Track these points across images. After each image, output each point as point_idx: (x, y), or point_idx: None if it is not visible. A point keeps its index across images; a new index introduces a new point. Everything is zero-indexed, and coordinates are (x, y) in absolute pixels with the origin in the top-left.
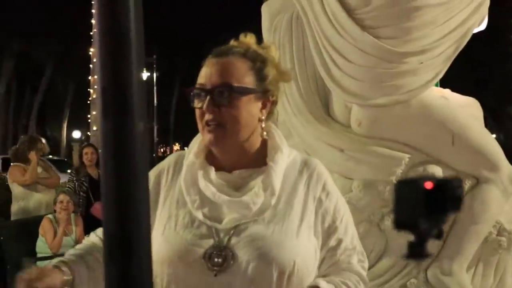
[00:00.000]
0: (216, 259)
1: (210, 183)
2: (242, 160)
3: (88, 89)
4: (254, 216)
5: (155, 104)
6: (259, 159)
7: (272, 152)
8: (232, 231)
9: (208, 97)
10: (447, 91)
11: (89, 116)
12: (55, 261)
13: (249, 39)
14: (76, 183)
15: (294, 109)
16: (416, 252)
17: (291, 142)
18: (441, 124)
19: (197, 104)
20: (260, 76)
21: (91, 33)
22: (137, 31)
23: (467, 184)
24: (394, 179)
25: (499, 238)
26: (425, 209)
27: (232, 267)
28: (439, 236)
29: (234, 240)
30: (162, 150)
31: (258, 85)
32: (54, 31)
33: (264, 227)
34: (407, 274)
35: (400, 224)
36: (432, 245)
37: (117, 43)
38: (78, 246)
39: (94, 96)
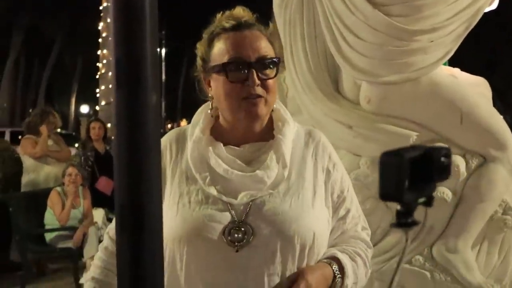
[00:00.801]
0: (236, 235)
1: (221, 159)
2: (251, 134)
3: (97, 64)
4: (268, 190)
5: (163, 80)
6: (265, 132)
7: (279, 124)
8: (249, 206)
9: (252, 70)
10: (456, 70)
11: (97, 90)
12: None
13: (247, 12)
14: (82, 157)
15: (304, 86)
16: (403, 221)
17: (300, 118)
18: (450, 103)
19: (236, 77)
20: (274, 49)
21: (100, 8)
22: (152, 3)
23: (474, 163)
24: None
25: (504, 217)
26: (411, 178)
27: (252, 242)
28: (428, 203)
29: (252, 215)
30: (169, 126)
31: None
32: (62, 5)
33: (281, 200)
34: (412, 250)
35: (385, 195)
36: (437, 222)
37: (132, 14)
38: (98, 275)
39: (103, 71)
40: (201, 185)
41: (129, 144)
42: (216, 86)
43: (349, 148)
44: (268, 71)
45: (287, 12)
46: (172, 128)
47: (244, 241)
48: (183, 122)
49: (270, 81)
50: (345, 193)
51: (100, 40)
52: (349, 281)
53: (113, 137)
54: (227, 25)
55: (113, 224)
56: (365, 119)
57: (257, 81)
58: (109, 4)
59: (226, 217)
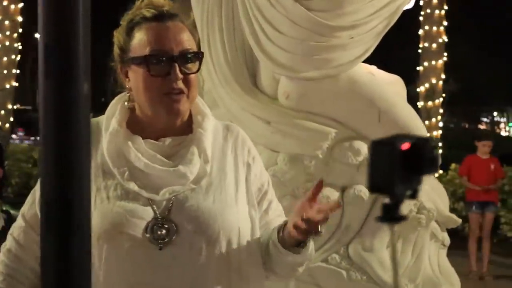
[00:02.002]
0: (159, 232)
1: (140, 153)
2: (170, 128)
3: None
4: (191, 185)
5: None
6: (184, 126)
7: (198, 118)
8: (171, 202)
9: (175, 64)
10: (373, 68)
11: None
12: None
13: (167, 1)
14: None
15: (221, 79)
16: (391, 215)
17: (217, 112)
18: (368, 101)
19: (158, 70)
20: (196, 41)
21: None
22: None
23: None
24: (320, 154)
25: (418, 215)
26: (402, 170)
27: (176, 240)
28: (413, 196)
29: (175, 211)
30: None
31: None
32: None
33: (203, 196)
34: (328, 249)
35: (375, 187)
36: (353, 220)
37: None
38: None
39: None
40: (119, 180)
41: (57, 138)
42: (135, 79)
43: (266, 144)
44: (190, 65)
45: (205, 3)
46: None
47: (168, 238)
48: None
49: (192, 76)
50: (266, 186)
51: None
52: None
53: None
54: (148, 14)
55: (17, 223)
56: (283, 115)
57: (180, 76)
58: None
59: (148, 213)
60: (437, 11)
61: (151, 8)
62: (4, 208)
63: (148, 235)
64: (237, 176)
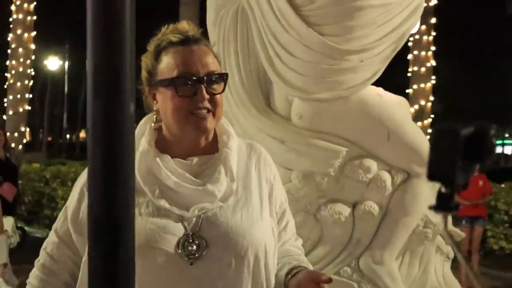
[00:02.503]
0: (190, 248)
1: (170, 172)
2: (196, 147)
3: (5, 74)
4: (219, 203)
5: (65, 92)
6: (210, 146)
7: (224, 138)
8: (200, 219)
9: (201, 85)
10: (380, 89)
11: (5, 100)
12: None
13: (192, 26)
14: None
15: (237, 100)
16: (446, 204)
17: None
18: (378, 121)
19: (186, 92)
20: (220, 64)
21: (10, 19)
22: (131, 10)
23: (399, 178)
24: (331, 171)
25: (425, 230)
26: (463, 158)
27: (207, 255)
28: (465, 187)
29: (204, 228)
30: (67, 136)
31: None
32: None
33: (231, 213)
34: (340, 262)
35: (434, 175)
36: (364, 234)
37: (112, 19)
38: None
39: (11, 81)
40: (150, 198)
41: (105, 156)
42: (163, 100)
43: (281, 163)
44: (216, 86)
45: (221, 29)
46: (71, 138)
47: (198, 254)
48: (82, 133)
49: (217, 96)
50: (285, 204)
51: (9, 51)
52: None
53: (87, 143)
54: (174, 39)
55: (50, 239)
56: (297, 135)
57: (206, 96)
58: (19, 17)
59: (179, 229)
60: (425, 37)
61: (177, 34)
62: (18, 225)
63: (179, 250)
64: (261, 193)
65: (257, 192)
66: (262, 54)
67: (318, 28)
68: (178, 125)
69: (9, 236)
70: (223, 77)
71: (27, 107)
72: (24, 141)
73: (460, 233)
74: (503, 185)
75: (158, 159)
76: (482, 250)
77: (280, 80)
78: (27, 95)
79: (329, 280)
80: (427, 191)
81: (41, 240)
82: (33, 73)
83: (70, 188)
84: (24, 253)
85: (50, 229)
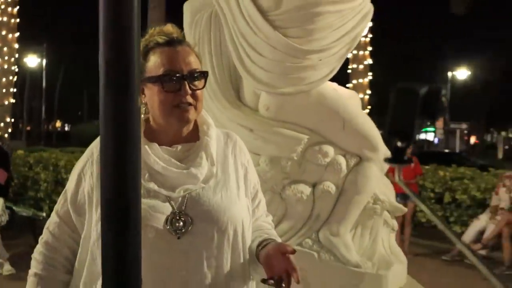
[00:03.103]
0: (177, 224)
1: (158, 158)
2: (179, 136)
3: None
4: (201, 184)
5: (43, 86)
6: (191, 134)
7: (204, 127)
8: (186, 199)
9: (185, 82)
10: (335, 84)
11: None
12: None
13: (176, 29)
14: None
15: (211, 94)
16: (400, 157)
17: None
18: (334, 112)
19: (171, 87)
20: (201, 63)
21: None
22: (138, 13)
23: (352, 162)
24: (294, 156)
25: (374, 206)
26: (419, 115)
27: (192, 230)
28: (415, 143)
29: (189, 206)
30: (45, 126)
31: None
32: None
33: (212, 193)
34: (302, 235)
35: (394, 131)
36: (322, 211)
37: (122, 19)
38: (42, 271)
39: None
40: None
41: (115, 143)
42: (150, 94)
43: (250, 149)
44: (197, 83)
45: (196, 31)
46: (48, 127)
47: (185, 229)
48: (58, 123)
49: (198, 91)
50: (257, 187)
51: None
52: None
53: (99, 136)
54: (160, 40)
55: (52, 219)
56: (264, 124)
57: (189, 91)
58: (4, 19)
59: (167, 208)
60: (363, 39)
61: (163, 35)
62: (7, 205)
63: (168, 226)
64: (237, 176)
65: (234, 175)
66: (233, 53)
67: (283, 31)
68: (163, 116)
69: (0, 214)
70: (204, 75)
71: (12, 100)
72: (10, 130)
73: (403, 208)
74: (427, 167)
75: (146, 146)
76: (413, 223)
77: (249, 77)
78: (11, 90)
79: (293, 251)
80: (376, 173)
81: (27, 219)
82: (16, 70)
83: (51, 171)
84: (12, 230)
85: (35, 208)
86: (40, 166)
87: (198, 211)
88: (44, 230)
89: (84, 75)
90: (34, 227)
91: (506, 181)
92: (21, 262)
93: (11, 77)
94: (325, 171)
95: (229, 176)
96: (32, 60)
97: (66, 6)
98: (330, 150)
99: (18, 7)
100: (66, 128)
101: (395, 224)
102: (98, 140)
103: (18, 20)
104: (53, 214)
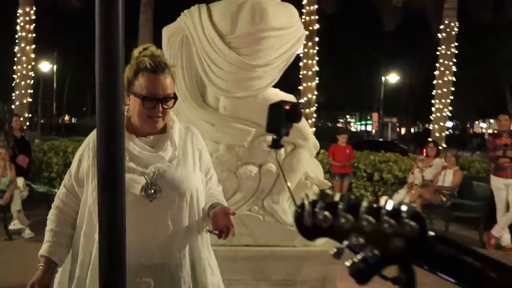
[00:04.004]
0: (149, 191)
1: (135, 145)
2: (153, 130)
3: (13, 76)
4: (166, 163)
5: (54, 87)
6: (161, 128)
7: (170, 123)
8: (155, 174)
9: (159, 103)
10: (277, 90)
11: (13, 94)
12: (44, 252)
13: (162, 53)
14: (6, 142)
15: (183, 98)
16: (276, 145)
17: (179, 118)
18: None
19: (148, 105)
20: (175, 83)
21: (16, 36)
22: (122, 44)
23: (289, 148)
24: (245, 144)
25: (306, 181)
26: (284, 119)
27: (160, 195)
28: (287, 135)
29: (158, 179)
30: (56, 120)
31: None
32: None
33: (175, 169)
34: (251, 203)
35: (270, 129)
36: (266, 185)
37: (112, 50)
38: (55, 227)
39: (17, 81)
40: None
41: (108, 136)
42: (133, 103)
43: (212, 138)
44: (169, 103)
45: (172, 50)
46: (58, 121)
47: (155, 195)
48: (66, 117)
49: (169, 110)
50: (210, 165)
51: (15, 59)
52: None
53: (95, 129)
54: (149, 66)
55: (61, 190)
56: (222, 120)
57: (161, 109)
58: (23, 34)
59: (142, 180)
60: (311, 50)
61: (152, 60)
62: (27, 183)
63: (142, 193)
64: (194, 157)
65: (191, 156)
66: (199, 67)
67: (236, 50)
68: (139, 122)
69: (21, 190)
70: (174, 98)
71: (29, 99)
72: (27, 123)
73: (327, 183)
74: (361, 152)
75: (127, 137)
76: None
77: (212, 85)
78: (29, 91)
79: (233, 213)
80: (307, 156)
81: (42, 194)
82: (32, 75)
83: (61, 156)
84: (31, 203)
85: (48, 186)
86: (52, 152)
87: (164, 182)
88: (55, 198)
89: (87, 78)
90: (48, 201)
91: (419, 164)
92: (38, 228)
93: (28, 81)
94: (268, 155)
95: (187, 157)
96: (45, 66)
97: (72, 23)
98: (271, 139)
99: (34, 24)
100: (73, 121)
101: None
102: (92, 133)
103: (34, 34)
104: (61, 187)
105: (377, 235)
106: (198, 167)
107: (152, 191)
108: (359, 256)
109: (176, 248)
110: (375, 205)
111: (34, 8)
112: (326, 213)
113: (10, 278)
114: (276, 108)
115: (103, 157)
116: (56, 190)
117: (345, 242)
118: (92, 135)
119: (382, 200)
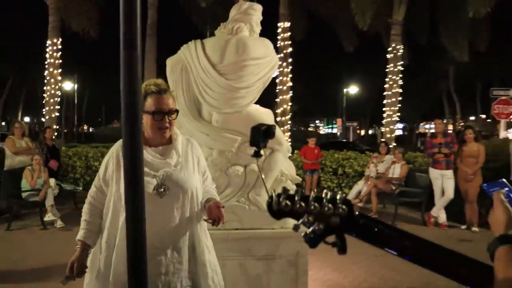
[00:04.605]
0: (159, 190)
1: (148, 154)
2: (161, 142)
3: (43, 95)
4: (172, 168)
5: (75, 102)
6: (168, 140)
7: (174, 136)
8: (164, 176)
9: (166, 116)
10: (258, 106)
11: (43, 110)
12: (80, 236)
13: (162, 81)
14: (40, 149)
15: (183, 113)
16: (257, 154)
17: (181, 130)
18: (257, 122)
19: (158, 118)
20: (175, 102)
21: (45, 63)
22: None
23: (267, 152)
24: (233, 149)
25: (281, 177)
26: (262, 136)
27: (168, 193)
28: (264, 146)
29: (166, 180)
30: (77, 129)
31: None
32: (14, 53)
33: (179, 173)
34: (239, 196)
35: (252, 143)
36: (251, 181)
37: (134, 78)
38: (88, 217)
39: (47, 99)
40: None
41: (131, 147)
42: (146, 120)
43: (207, 145)
44: (173, 116)
45: (174, 76)
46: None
47: (164, 193)
48: (85, 127)
49: (174, 121)
50: (205, 168)
51: (45, 81)
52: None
53: (122, 140)
54: (154, 89)
55: (92, 189)
56: (215, 131)
57: (167, 121)
58: (51, 61)
59: (154, 182)
60: (285, 69)
61: (155, 86)
62: (57, 183)
63: (154, 191)
64: (193, 163)
65: (191, 162)
66: (196, 90)
67: (225, 76)
68: (152, 133)
69: (53, 189)
70: (177, 111)
71: (57, 113)
72: (55, 133)
73: (298, 178)
74: (328, 151)
75: (143, 148)
76: (318, 187)
77: (206, 103)
78: (57, 106)
79: (223, 206)
80: (282, 158)
81: (69, 191)
82: (60, 93)
83: (83, 160)
84: (60, 199)
85: (75, 185)
86: (76, 157)
87: (171, 182)
88: (88, 196)
89: (101, 94)
90: (74, 197)
91: (373, 160)
92: (67, 219)
93: (56, 99)
94: (251, 158)
95: (188, 163)
96: (68, 85)
97: (91, 50)
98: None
99: (60, 52)
100: (91, 130)
101: (293, 188)
102: (116, 144)
103: (60, 61)
104: (92, 186)
105: (321, 215)
106: (197, 170)
107: (162, 189)
108: (310, 230)
109: (181, 233)
110: (319, 196)
111: (60, 39)
112: (287, 201)
113: (46, 260)
114: (256, 129)
115: (127, 163)
116: (80, 188)
117: (300, 220)
118: (116, 147)
119: (323, 193)
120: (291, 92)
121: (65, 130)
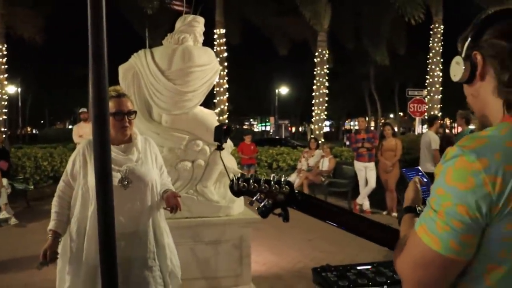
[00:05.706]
0: (124, 182)
1: (112, 151)
2: (123, 140)
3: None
4: (134, 163)
5: (19, 105)
6: (128, 139)
7: (134, 135)
8: (127, 171)
9: (125, 116)
10: (203, 108)
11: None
12: (52, 226)
13: (120, 87)
14: None
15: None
16: (221, 148)
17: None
18: (202, 122)
19: (118, 118)
20: (133, 104)
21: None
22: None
23: (212, 149)
24: (182, 146)
25: (225, 171)
26: (224, 134)
27: (131, 185)
28: (226, 142)
29: (129, 174)
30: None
31: None
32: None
33: (140, 167)
34: (188, 188)
35: (216, 139)
36: (198, 174)
37: (102, 85)
38: (58, 209)
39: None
40: None
41: (99, 145)
42: (111, 121)
43: (158, 143)
44: (132, 116)
45: (126, 82)
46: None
47: (128, 185)
48: (29, 128)
49: (132, 121)
50: (162, 163)
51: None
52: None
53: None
54: (114, 94)
55: (60, 184)
56: (165, 130)
57: (127, 120)
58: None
59: (118, 176)
60: (222, 72)
61: (114, 91)
62: (9, 182)
63: (119, 184)
64: (152, 159)
65: (150, 158)
66: (147, 93)
67: (173, 81)
68: (115, 133)
69: (6, 188)
70: (135, 112)
71: (5, 117)
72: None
73: (239, 171)
74: (263, 147)
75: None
76: None
77: (155, 105)
78: (4, 110)
79: (179, 196)
80: (225, 154)
81: (21, 191)
82: (6, 97)
83: (32, 161)
84: (12, 197)
85: (26, 184)
86: (25, 157)
87: (134, 176)
88: (57, 190)
89: (44, 98)
90: (26, 195)
91: (305, 154)
92: (21, 216)
93: (3, 102)
94: (198, 154)
95: (148, 159)
96: (11, 89)
97: (35, 55)
98: (200, 143)
99: (5, 58)
100: (34, 131)
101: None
102: (82, 143)
103: (6, 66)
104: (60, 181)
105: (270, 193)
106: (155, 165)
107: (126, 182)
108: (261, 204)
109: (143, 220)
110: (268, 179)
111: (6, 46)
112: (244, 183)
113: (2, 255)
114: (218, 128)
115: (97, 160)
116: (31, 187)
117: (254, 197)
118: (82, 145)
119: (271, 176)
120: (227, 93)
121: (9, 132)
